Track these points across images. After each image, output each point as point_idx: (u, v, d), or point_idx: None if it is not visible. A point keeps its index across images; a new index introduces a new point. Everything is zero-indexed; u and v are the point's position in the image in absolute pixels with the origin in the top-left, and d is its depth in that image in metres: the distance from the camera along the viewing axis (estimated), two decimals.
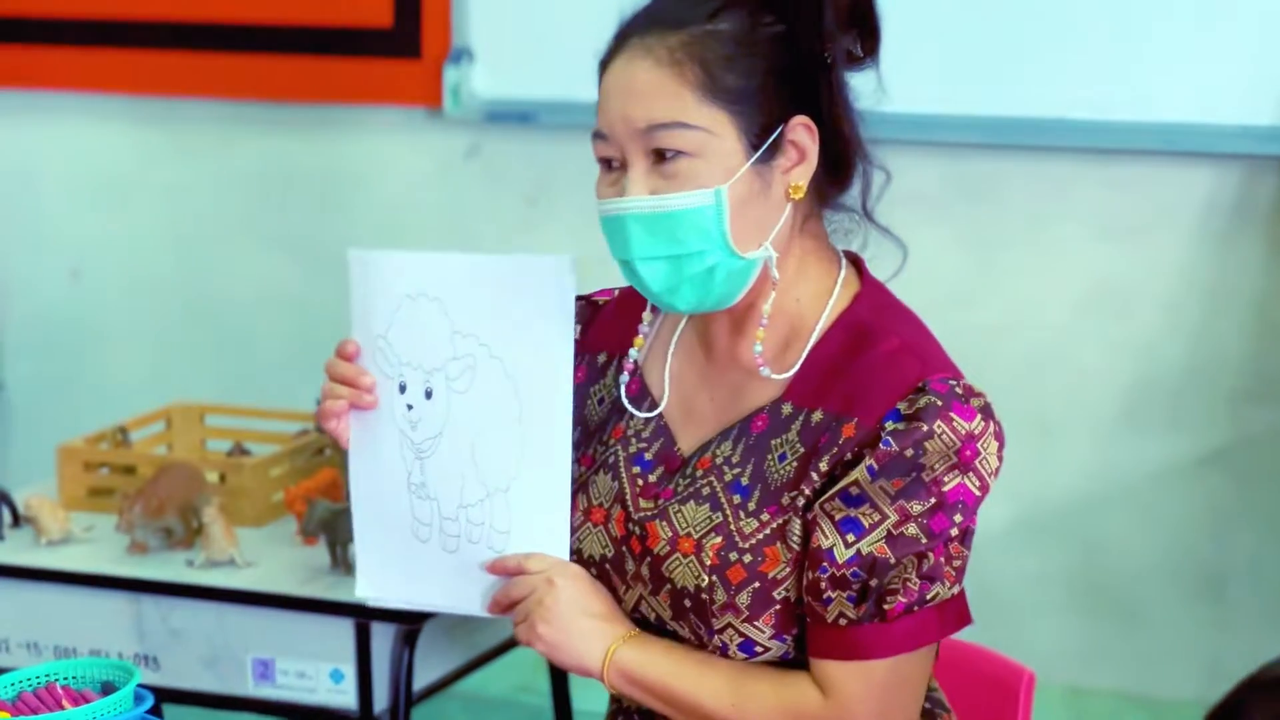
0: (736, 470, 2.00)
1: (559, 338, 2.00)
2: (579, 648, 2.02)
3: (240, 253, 4.48)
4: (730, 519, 1.98)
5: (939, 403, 1.92)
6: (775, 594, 1.96)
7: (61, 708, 2.04)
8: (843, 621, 1.93)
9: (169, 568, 3.13)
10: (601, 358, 2.14)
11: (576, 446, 2.08)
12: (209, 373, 4.52)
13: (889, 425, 1.92)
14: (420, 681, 3.10)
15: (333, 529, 3.07)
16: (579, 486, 2.08)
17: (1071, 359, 3.94)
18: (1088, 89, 3.80)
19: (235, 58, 4.38)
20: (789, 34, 1.96)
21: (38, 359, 4.67)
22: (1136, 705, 3.96)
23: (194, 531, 3.18)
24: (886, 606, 1.93)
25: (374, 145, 4.35)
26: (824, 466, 1.94)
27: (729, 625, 1.97)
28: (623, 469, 2.06)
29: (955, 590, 1.97)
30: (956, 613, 1.98)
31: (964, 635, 2.04)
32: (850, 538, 1.92)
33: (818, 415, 1.97)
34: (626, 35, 1.98)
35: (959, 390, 1.93)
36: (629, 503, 2.05)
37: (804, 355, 2.00)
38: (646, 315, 2.10)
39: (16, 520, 3.30)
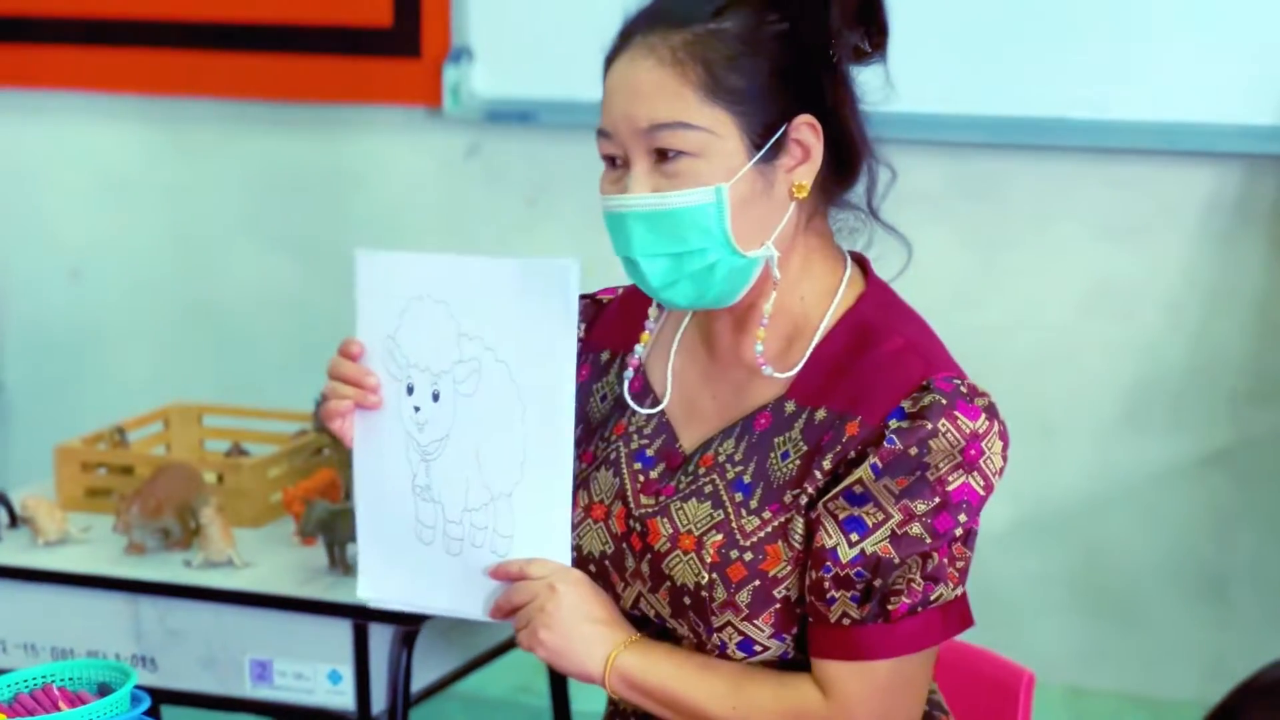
0: (739, 468, 1.99)
1: (563, 341, 2.00)
2: (580, 653, 2.01)
3: (239, 252, 4.48)
4: (732, 517, 1.97)
5: (943, 401, 1.91)
6: (775, 593, 1.95)
7: (58, 709, 2.03)
8: (846, 621, 1.93)
9: (166, 568, 3.12)
10: (605, 355, 2.14)
11: (578, 443, 2.07)
12: (209, 373, 4.51)
13: (893, 424, 1.92)
14: (419, 682, 3.10)
15: (331, 530, 3.06)
16: (580, 482, 2.08)
17: (1073, 359, 3.93)
18: (1089, 88, 3.80)
19: (234, 57, 4.38)
20: (794, 32, 1.95)
21: (37, 359, 4.67)
22: (1137, 706, 3.96)
23: (192, 532, 3.17)
24: (890, 607, 1.92)
25: (373, 145, 4.34)
26: (827, 465, 1.94)
27: (728, 624, 1.97)
28: (624, 465, 2.06)
29: (959, 592, 1.96)
30: (959, 614, 1.97)
31: (964, 635, 2.03)
32: (854, 537, 1.92)
33: (821, 413, 1.96)
34: (631, 33, 1.97)
35: (963, 389, 1.93)
36: (630, 499, 2.04)
37: (808, 354, 2.00)
38: (653, 311, 2.10)
39: (14, 521, 3.29)
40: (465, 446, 2.04)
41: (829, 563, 1.92)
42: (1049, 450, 3.93)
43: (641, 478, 2.05)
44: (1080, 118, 3.81)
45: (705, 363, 2.07)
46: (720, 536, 1.97)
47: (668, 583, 2.00)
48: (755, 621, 1.96)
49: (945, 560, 1.93)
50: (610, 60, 1.99)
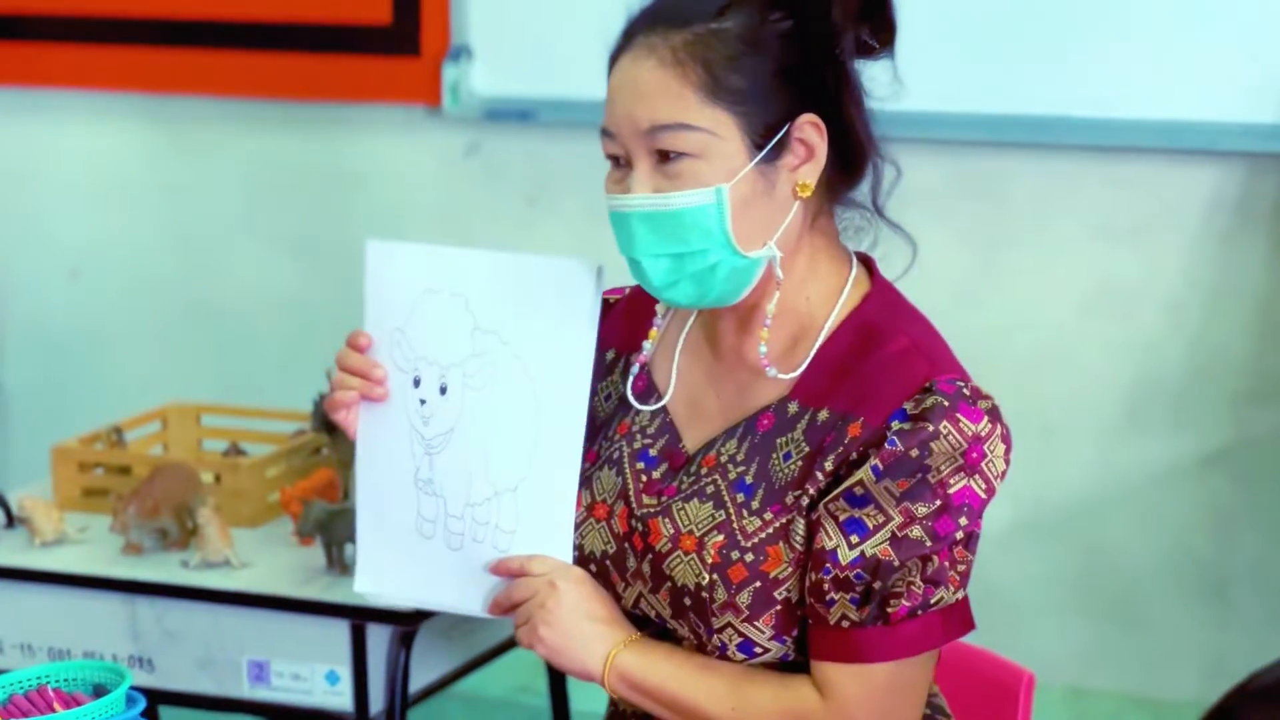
0: (741, 469, 1.98)
1: (582, 341, 2.00)
2: (580, 651, 2.01)
3: (238, 251, 4.47)
4: (733, 517, 1.97)
5: (946, 403, 1.90)
6: (776, 594, 1.95)
7: (53, 711, 2.02)
8: (845, 624, 1.92)
9: (164, 569, 3.12)
10: (610, 355, 2.13)
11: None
12: (208, 373, 4.51)
13: (895, 425, 1.91)
14: (417, 682, 3.09)
15: (329, 530, 3.05)
16: (582, 481, 2.07)
17: (1073, 359, 3.93)
18: (1090, 86, 3.79)
19: (233, 55, 4.37)
20: (797, 30, 1.94)
21: (37, 359, 4.66)
22: (1137, 706, 3.95)
23: (189, 532, 3.17)
24: (890, 610, 1.92)
25: (373, 143, 4.34)
26: (829, 466, 1.94)
27: (728, 625, 1.96)
28: (627, 465, 2.06)
29: (960, 595, 1.95)
30: (960, 618, 1.96)
31: (964, 636, 2.02)
32: (854, 539, 1.91)
33: (824, 414, 1.96)
34: (633, 32, 1.97)
35: (966, 392, 1.92)
36: (632, 499, 2.04)
37: (811, 354, 1.99)
38: (660, 309, 2.10)
39: (10, 521, 3.29)
40: (471, 440, 2.03)
41: (828, 564, 1.92)
42: (1049, 450, 3.93)
43: (644, 477, 2.04)
44: (1081, 116, 3.81)
45: (709, 362, 2.06)
46: (721, 537, 1.96)
47: (668, 583, 1.99)
48: (756, 623, 1.95)
49: (946, 563, 1.93)
50: (613, 60, 1.98)
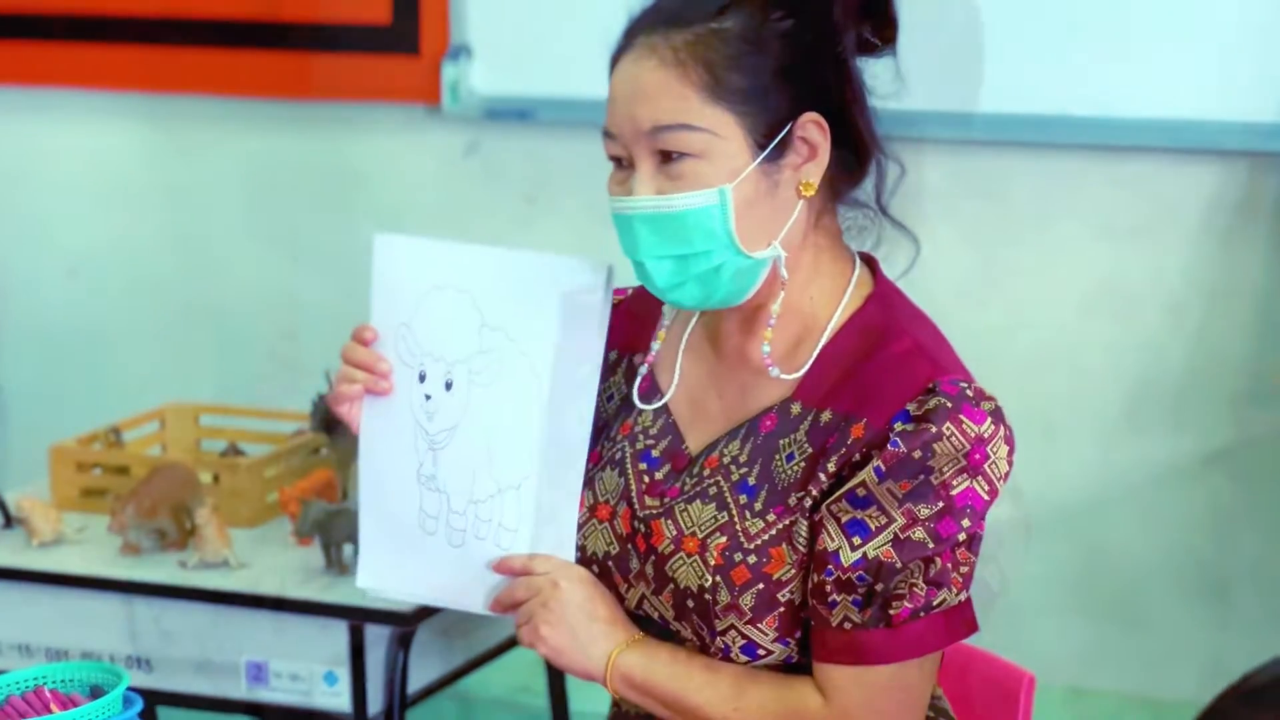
0: (744, 470, 1.98)
1: (591, 342, 2.00)
2: (582, 651, 2.00)
3: (237, 250, 4.47)
4: (736, 519, 1.96)
5: (948, 405, 1.90)
6: (779, 596, 1.94)
7: (50, 712, 2.02)
8: (847, 625, 1.92)
9: (162, 569, 3.12)
10: (612, 355, 2.13)
11: None
12: (207, 373, 4.50)
13: (897, 426, 1.91)
14: (416, 683, 3.09)
15: (327, 530, 3.05)
16: (586, 482, 2.07)
17: (1074, 359, 3.92)
18: (1091, 86, 3.78)
19: (233, 54, 4.37)
20: (798, 29, 1.94)
21: (35, 359, 4.66)
22: (1138, 706, 3.95)
23: (187, 533, 3.17)
24: (892, 612, 1.91)
25: (372, 143, 4.33)
26: (832, 467, 1.93)
27: (731, 627, 1.95)
28: (629, 466, 2.05)
29: (962, 597, 1.95)
30: (963, 620, 1.96)
31: (967, 638, 2.01)
32: (856, 540, 1.91)
33: (826, 415, 1.95)
34: (634, 32, 1.96)
35: (969, 393, 1.92)
36: (635, 500, 2.04)
37: (814, 355, 1.99)
38: (667, 308, 2.09)
39: (8, 521, 3.28)
40: (476, 437, 2.03)
41: (830, 566, 1.91)
42: (1050, 450, 3.92)
43: (647, 479, 2.04)
44: (1082, 115, 3.80)
45: (712, 363, 2.06)
46: (724, 539, 1.96)
47: (671, 585, 1.99)
48: (759, 625, 1.95)
49: (948, 565, 1.92)
50: (614, 61, 1.98)
